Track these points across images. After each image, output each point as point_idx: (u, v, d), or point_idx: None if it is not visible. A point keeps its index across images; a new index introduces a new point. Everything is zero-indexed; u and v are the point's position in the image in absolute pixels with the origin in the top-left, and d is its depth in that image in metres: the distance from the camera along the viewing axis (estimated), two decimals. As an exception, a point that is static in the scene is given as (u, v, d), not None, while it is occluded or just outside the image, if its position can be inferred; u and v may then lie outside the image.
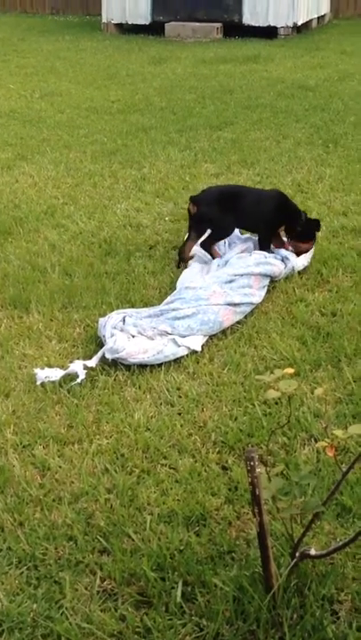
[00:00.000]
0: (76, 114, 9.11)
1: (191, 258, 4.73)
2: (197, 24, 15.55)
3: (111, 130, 8.30)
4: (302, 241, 4.73)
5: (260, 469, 2.08)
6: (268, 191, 5.06)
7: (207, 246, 4.73)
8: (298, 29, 15.79)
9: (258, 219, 4.73)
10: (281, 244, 4.74)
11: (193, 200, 4.75)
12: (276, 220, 4.73)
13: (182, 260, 4.74)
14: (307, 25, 16.41)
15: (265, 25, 15.41)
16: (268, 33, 15.31)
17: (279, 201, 4.80)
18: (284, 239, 4.79)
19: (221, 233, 4.77)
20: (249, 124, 8.37)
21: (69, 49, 14.06)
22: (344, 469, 2.14)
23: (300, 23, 15.69)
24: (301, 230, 4.72)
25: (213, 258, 4.68)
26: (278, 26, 15.40)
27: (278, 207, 4.77)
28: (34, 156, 7.31)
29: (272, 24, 15.40)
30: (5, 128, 8.43)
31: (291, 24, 15.41)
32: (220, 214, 4.69)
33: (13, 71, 11.96)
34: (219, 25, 15.57)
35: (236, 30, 15.49)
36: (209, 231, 4.73)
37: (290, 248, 4.73)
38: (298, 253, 4.70)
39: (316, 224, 4.76)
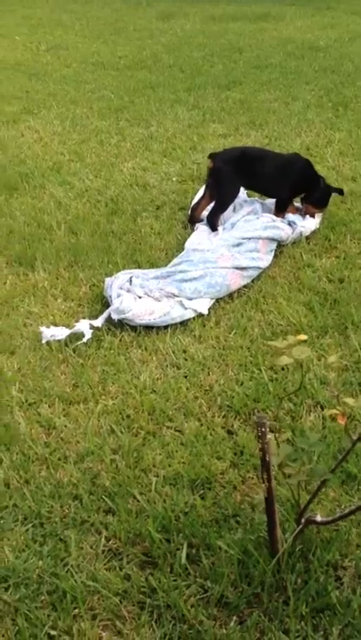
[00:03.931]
0: (83, 68, 8.98)
1: (201, 220, 4.68)
2: (207, -21, 15.22)
3: (118, 86, 8.18)
4: (315, 205, 4.70)
5: (270, 436, 2.07)
6: (293, 157, 4.92)
7: (213, 220, 4.60)
8: (309, -12, 15.47)
9: (281, 183, 4.67)
10: (293, 209, 4.70)
11: (211, 156, 4.70)
12: (300, 187, 4.69)
13: (193, 219, 4.69)
14: (318, -17, 16.08)
15: (276, -18, 15.09)
16: (279, -9, 15.01)
17: (305, 168, 4.73)
18: (297, 205, 4.75)
19: (226, 199, 4.67)
20: (258, 85, 8.24)
21: (76, 1, 13.81)
22: (354, 438, 2.13)
23: (311, -19, 15.37)
24: (318, 196, 4.68)
25: (214, 230, 4.57)
26: (289, -17, 15.08)
27: (304, 174, 4.70)
28: (40, 111, 7.21)
29: (283, -19, 15.08)
30: (11, 81, 8.31)
31: (302, -18, 15.09)
32: (235, 176, 4.61)
33: (19, 22, 11.76)
34: (229, -19, 15.25)
35: (246, -13, 15.19)
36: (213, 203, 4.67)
37: (298, 212, 4.70)
38: (307, 214, 4.69)
39: (334, 190, 4.73)
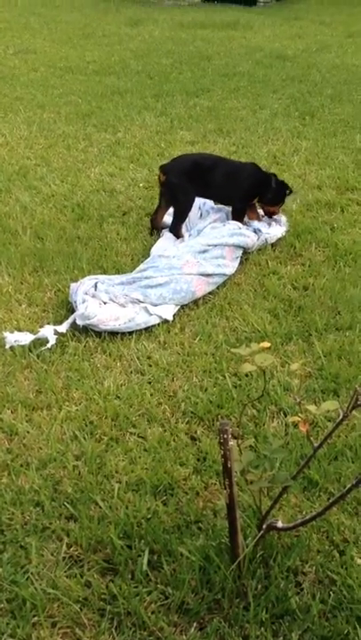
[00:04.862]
0: (51, 73, 8.95)
1: (164, 227, 4.69)
2: (176, -14, 15.32)
3: (86, 91, 8.17)
4: (270, 204, 4.72)
5: (232, 442, 2.08)
6: (242, 163, 4.98)
7: (175, 230, 4.60)
8: (278, -2, 15.64)
9: (232, 192, 4.68)
10: (255, 216, 4.72)
11: (162, 169, 4.69)
12: (251, 193, 4.69)
13: (155, 229, 4.70)
14: (287, -7, 16.26)
15: (245, -9, 15.23)
16: (248, 0, 15.12)
17: (254, 174, 4.73)
18: (260, 211, 4.77)
19: (184, 210, 4.65)
20: (226, 93, 8.29)
21: (44, 5, 13.77)
22: (315, 445, 2.15)
23: (280, -9, 15.54)
24: (271, 196, 4.70)
25: (178, 237, 4.57)
26: (258, -7, 15.23)
27: (253, 180, 4.70)
28: (6, 115, 7.17)
29: (252, -9, 15.22)
30: (-23, 84, 8.25)
31: (271, -8, 15.25)
32: (188, 186, 4.62)
33: (-14, 25, 11.68)
34: (198, -11, 15.36)
35: (215, -5, 15.30)
36: (172, 210, 4.67)
37: (263, 220, 4.73)
38: (266, 214, 4.73)
39: (285, 187, 4.73)
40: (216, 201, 4.90)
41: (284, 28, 12.62)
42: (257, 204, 4.78)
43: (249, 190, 4.68)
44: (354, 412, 2.01)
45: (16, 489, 2.67)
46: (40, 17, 12.60)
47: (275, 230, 4.66)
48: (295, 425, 2.93)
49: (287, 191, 4.74)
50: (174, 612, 2.23)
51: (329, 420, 2.98)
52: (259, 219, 4.74)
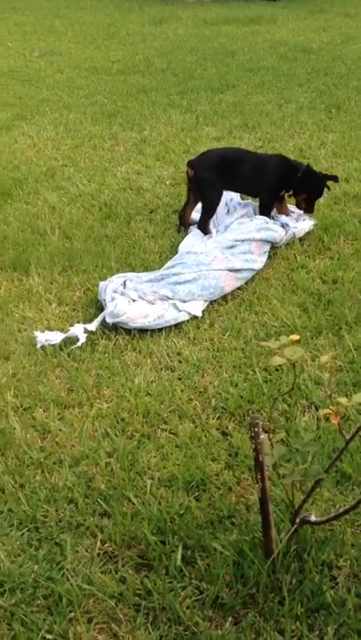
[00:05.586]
0: (76, 74, 8.99)
1: (192, 223, 4.69)
2: (199, -17, 15.28)
3: (111, 91, 8.20)
4: (299, 194, 4.67)
5: (263, 436, 2.08)
6: (268, 156, 4.96)
7: (203, 226, 4.60)
8: (301, -9, 15.51)
9: (259, 185, 4.66)
10: (284, 210, 4.70)
11: (191, 164, 4.69)
12: (278, 185, 4.67)
13: (183, 225, 4.71)
14: (310, -14, 16.13)
15: (268, -15, 15.15)
16: (271, -6, 15.06)
17: (280, 165, 4.71)
18: (290, 207, 4.74)
19: (212, 205, 4.64)
20: (251, 88, 8.26)
21: (68, 7, 13.84)
22: (347, 437, 2.14)
23: (303, -16, 15.41)
24: (301, 185, 4.63)
25: (206, 234, 4.57)
26: (281, -13, 15.13)
27: (279, 172, 4.68)
28: (33, 117, 7.22)
29: (275, -15, 15.13)
30: (4, 87, 8.32)
31: (294, -15, 15.13)
32: (217, 181, 4.62)
33: (12, 29, 11.78)
34: (221, -15, 15.30)
35: (238, -10, 15.24)
36: (200, 205, 4.67)
37: (291, 214, 4.70)
38: (297, 206, 4.70)
39: (319, 177, 4.66)
40: (244, 194, 4.89)
41: (309, 22, 12.53)
42: (286, 198, 4.76)
43: (276, 182, 4.66)
44: (386, 403, 1.99)
45: (50, 486, 2.70)
46: (64, 19, 12.67)
47: (303, 224, 4.63)
48: (327, 418, 2.92)
49: (325, 184, 4.67)
50: (209, 607, 2.23)
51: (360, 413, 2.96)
52: (287, 213, 4.72)
